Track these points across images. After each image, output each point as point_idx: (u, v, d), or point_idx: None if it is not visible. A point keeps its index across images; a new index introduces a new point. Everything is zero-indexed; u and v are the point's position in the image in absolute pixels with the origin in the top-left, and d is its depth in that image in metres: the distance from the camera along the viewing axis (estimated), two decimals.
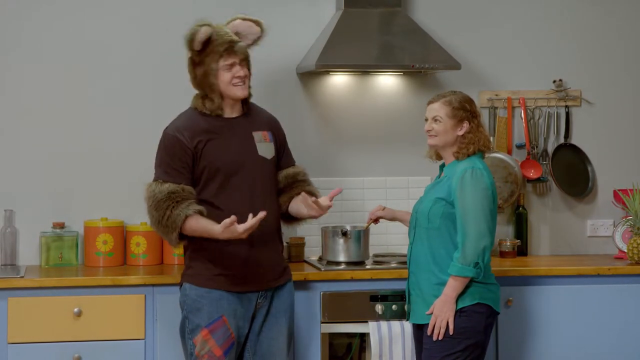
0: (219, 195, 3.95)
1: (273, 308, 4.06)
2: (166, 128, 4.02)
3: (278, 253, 4.10)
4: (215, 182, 3.96)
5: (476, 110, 4.03)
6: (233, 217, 3.75)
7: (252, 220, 3.77)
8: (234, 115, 4.04)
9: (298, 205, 4.09)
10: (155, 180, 3.96)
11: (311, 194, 4.10)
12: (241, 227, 3.76)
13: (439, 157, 4.13)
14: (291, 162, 4.22)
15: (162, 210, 3.88)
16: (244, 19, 4.10)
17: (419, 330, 4.03)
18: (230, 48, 3.98)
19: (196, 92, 4.08)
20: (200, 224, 3.87)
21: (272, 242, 4.05)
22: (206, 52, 3.96)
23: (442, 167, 4.11)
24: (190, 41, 3.95)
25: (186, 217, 3.86)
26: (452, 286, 3.88)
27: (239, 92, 4.00)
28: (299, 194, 4.11)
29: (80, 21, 4.76)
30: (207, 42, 3.95)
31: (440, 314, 3.88)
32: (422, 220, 3.98)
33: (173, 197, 3.89)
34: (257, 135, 4.06)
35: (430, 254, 3.95)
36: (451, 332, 3.87)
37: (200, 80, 4.00)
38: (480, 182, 3.90)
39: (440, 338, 3.88)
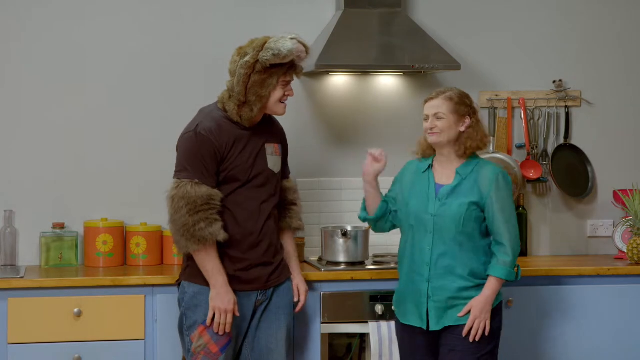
0: (229, 198, 3.96)
1: (272, 304, 4.08)
2: (196, 127, 3.94)
3: (279, 254, 4.12)
4: (229, 188, 3.96)
5: (475, 105, 4.02)
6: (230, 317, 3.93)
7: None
8: (254, 124, 4.04)
9: (284, 247, 4.22)
10: (189, 179, 3.89)
11: (295, 229, 4.22)
12: (229, 318, 3.91)
13: (426, 155, 4.08)
14: (286, 174, 4.26)
15: (197, 217, 3.84)
16: (299, 41, 3.97)
17: (431, 335, 3.96)
18: (294, 67, 3.98)
19: (226, 92, 4.01)
20: (212, 258, 3.89)
21: (273, 245, 4.07)
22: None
23: (427, 163, 4.06)
24: (279, 54, 3.86)
25: (215, 241, 3.87)
26: (494, 288, 3.89)
27: (283, 110, 4.04)
28: (286, 229, 4.21)
29: (80, 21, 4.76)
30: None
31: (480, 315, 3.87)
32: (449, 225, 3.91)
33: (212, 204, 3.87)
34: (269, 148, 4.07)
35: (462, 259, 3.90)
36: (487, 333, 3.88)
37: (252, 88, 3.92)
38: (509, 186, 3.97)
39: (477, 339, 3.87)
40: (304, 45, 3.98)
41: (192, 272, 3.99)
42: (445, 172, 4.01)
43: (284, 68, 3.94)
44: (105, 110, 4.79)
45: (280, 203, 4.19)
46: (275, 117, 4.18)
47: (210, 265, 3.90)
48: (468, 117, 3.97)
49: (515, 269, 3.99)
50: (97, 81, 4.78)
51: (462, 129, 3.96)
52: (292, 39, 3.93)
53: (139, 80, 4.81)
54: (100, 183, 4.77)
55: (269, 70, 3.91)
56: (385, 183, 4.24)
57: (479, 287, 3.93)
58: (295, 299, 4.18)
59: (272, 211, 4.08)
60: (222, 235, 3.88)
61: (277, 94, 3.97)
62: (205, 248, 3.87)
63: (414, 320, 3.98)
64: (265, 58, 3.87)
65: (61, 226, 4.66)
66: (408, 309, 4.00)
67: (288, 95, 4.02)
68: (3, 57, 4.71)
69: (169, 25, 4.82)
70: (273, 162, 4.08)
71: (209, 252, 3.88)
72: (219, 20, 4.86)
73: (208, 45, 4.83)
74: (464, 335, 3.88)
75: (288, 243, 4.23)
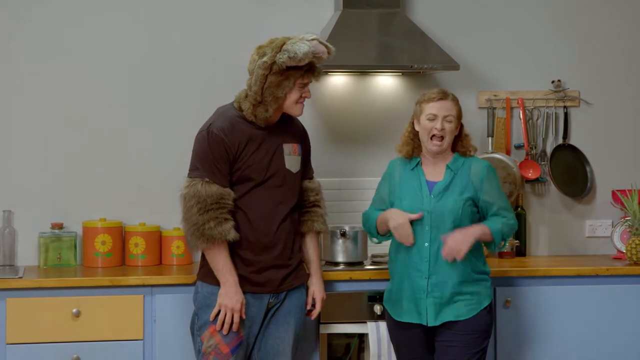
0: (243, 199, 3.95)
1: (284, 307, 4.05)
2: (209, 126, 3.93)
3: (295, 257, 4.08)
4: (243, 188, 3.95)
5: None
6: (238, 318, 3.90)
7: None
8: (270, 124, 4.01)
9: (306, 251, 4.17)
10: (200, 177, 3.88)
11: (317, 233, 4.16)
12: (236, 317, 3.88)
13: (409, 155, 4.08)
14: (309, 175, 4.21)
15: (207, 216, 3.83)
16: (320, 42, 3.91)
17: (428, 330, 3.98)
18: (312, 69, 3.94)
19: (243, 91, 3.99)
20: (223, 257, 3.88)
21: (288, 248, 4.04)
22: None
23: (415, 160, 4.07)
24: (295, 56, 3.81)
25: (225, 240, 3.86)
26: (480, 232, 3.91)
27: (300, 111, 4.01)
28: (308, 232, 4.15)
29: (81, 22, 4.76)
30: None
31: (455, 246, 3.84)
32: (446, 220, 3.93)
33: (222, 203, 3.86)
34: (287, 148, 4.04)
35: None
36: (459, 259, 3.84)
37: (268, 88, 3.88)
38: (497, 176, 4.03)
39: (458, 260, 3.86)
40: (326, 46, 3.93)
41: (206, 272, 3.98)
42: (436, 169, 4.03)
43: (301, 70, 3.90)
44: (105, 110, 4.79)
45: (302, 205, 4.15)
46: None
47: (221, 264, 3.89)
48: (461, 122, 4.01)
49: (502, 242, 4.02)
50: (96, 81, 4.78)
51: (456, 133, 4.00)
52: (311, 40, 3.87)
53: (138, 80, 4.81)
54: (98, 183, 4.77)
55: (285, 72, 3.87)
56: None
57: (478, 281, 3.95)
58: (308, 307, 4.14)
59: (290, 213, 4.03)
60: (231, 235, 3.87)
61: (294, 95, 3.95)
62: (214, 247, 3.86)
63: (410, 317, 3.99)
64: (281, 60, 3.83)
65: (60, 226, 4.67)
66: (404, 307, 4.01)
67: (305, 97, 3.98)
68: (3, 57, 4.71)
69: (168, 25, 4.82)
70: (291, 162, 4.04)
71: (219, 251, 3.87)
72: (218, 19, 4.86)
73: (207, 45, 4.83)
74: (443, 258, 3.87)
75: (309, 247, 4.17)
